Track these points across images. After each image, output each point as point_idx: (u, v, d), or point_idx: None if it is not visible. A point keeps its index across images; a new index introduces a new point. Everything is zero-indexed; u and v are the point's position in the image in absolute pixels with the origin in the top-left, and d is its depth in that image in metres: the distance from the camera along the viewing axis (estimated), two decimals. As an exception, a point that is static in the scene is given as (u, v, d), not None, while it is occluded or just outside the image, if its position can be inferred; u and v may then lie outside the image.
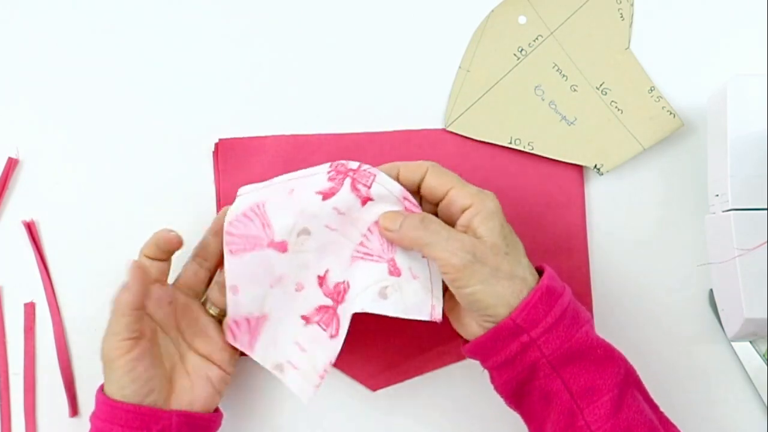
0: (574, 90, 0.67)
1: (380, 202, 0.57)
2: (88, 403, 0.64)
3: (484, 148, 0.66)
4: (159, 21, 0.67)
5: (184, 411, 0.57)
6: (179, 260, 0.61)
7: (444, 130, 0.67)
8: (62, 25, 0.67)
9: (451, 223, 0.56)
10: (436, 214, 0.58)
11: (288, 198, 0.58)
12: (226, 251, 0.58)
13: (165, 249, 0.58)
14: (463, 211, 0.55)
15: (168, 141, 0.66)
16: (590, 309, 0.66)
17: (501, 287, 0.54)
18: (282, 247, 0.58)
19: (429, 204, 0.58)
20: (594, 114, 0.67)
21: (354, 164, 0.58)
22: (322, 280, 0.59)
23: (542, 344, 0.53)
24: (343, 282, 0.59)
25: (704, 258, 0.66)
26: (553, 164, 0.66)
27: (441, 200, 0.57)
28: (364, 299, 0.57)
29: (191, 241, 0.65)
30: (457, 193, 0.56)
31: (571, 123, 0.67)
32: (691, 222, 0.66)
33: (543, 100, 0.67)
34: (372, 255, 0.58)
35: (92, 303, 0.65)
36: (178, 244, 0.58)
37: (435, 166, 0.57)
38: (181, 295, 0.60)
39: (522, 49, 0.67)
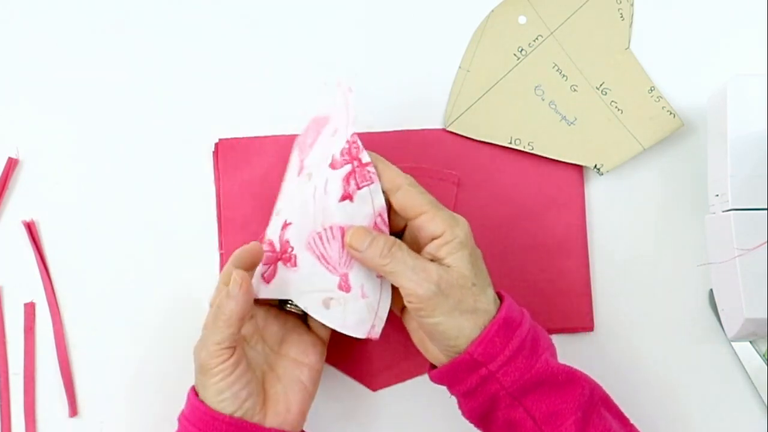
0: (574, 90, 0.67)
1: (356, 208, 0.57)
2: (88, 403, 0.64)
3: (484, 148, 0.66)
4: (159, 21, 0.67)
5: (280, 430, 0.56)
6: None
7: (444, 130, 0.67)
8: (63, 25, 0.67)
9: (418, 244, 0.56)
10: (404, 230, 0.58)
11: (331, 136, 0.59)
12: (307, 125, 0.61)
13: (253, 262, 0.57)
14: (432, 239, 0.55)
15: (168, 141, 0.66)
16: (590, 309, 0.66)
17: (464, 320, 0.54)
18: (300, 167, 0.60)
19: (399, 217, 0.57)
20: (594, 114, 0.67)
21: (365, 157, 0.57)
22: (285, 225, 0.59)
23: (501, 376, 0.53)
24: (293, 248, 0.58)
25: (704, 258, 0.66)
26: (553, 164, 0.66)
27: (411, 220, 0.56)
28: (308, 301, 0.57)
29: (192, 241, 0.65)
30: (429, 219, 0.55)
31: (571, 123, 0.67)
32: (691, 222, 0.66)
33: (543, 100, 0.67)
34: (328, 263, 0.57)
35: (92, 303, 0.65)
36: (261, 254, 0.58)
37: (410, 186, 0.56)
38: (258, 308, 0.60)
39: (522, 49, 0.67)
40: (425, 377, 0.65)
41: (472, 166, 0.66)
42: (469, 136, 0.66)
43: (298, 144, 0.62)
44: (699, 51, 0.68)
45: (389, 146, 0.66)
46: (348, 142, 0.57)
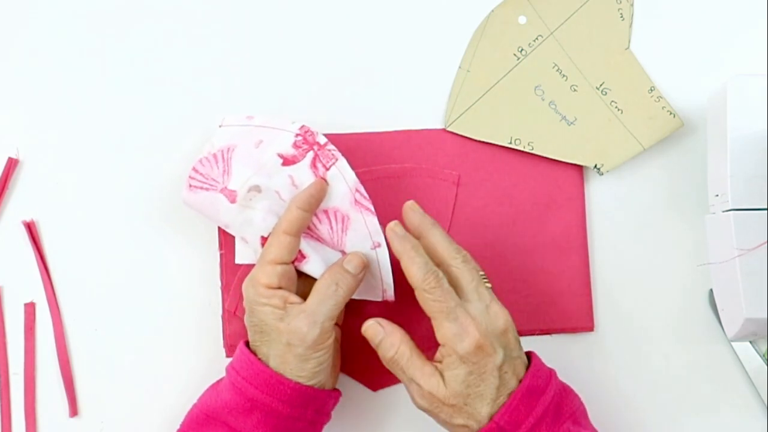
0: (574, 90, 0.67)
1: (333, 189, 0.60)
2: (88, 403, 0.64)
3: (484, 148, 0.66)
4: (160, 22, 0.67)
5: (335, 391, 0.59)
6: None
7: (444, 130, 0.67)
8: (62, 25, 0.67)
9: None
10: None
11: (254, 149, 0.60)
12: (185, 184, 0.61)
13: (319, 198, 0.59)
14: (439, 344, 0.56)
15: (168, 141, 0.66)
16: (590, 309, 0.66)
17: (458, 428, 0.55)
18: (232, 196, 0.60)
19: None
20: (594, 114, 0.67)
21: (322, 139, 0.60)
22: (264, 241, 0.60)
23: None
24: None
25: (704, 258, 0.66)
26: (553, 164, 0.66)
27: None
28: None
29: (192, 241, 0.65)
30: (436, 326, 0.55)
31: (571, 123, 0.67)
32: (691, 222, 0.66)
33: (543, 100, 0.67)
34: (326, 244, 0.61)
35: (92, 303, 0.65)
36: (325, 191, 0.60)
37: (423, 291, 0.55)
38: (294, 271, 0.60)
39: (522, 49, 0.67)
40: (425, 377, 0.65)
41: (472, 166, 0.66)
42: (469, 136, 0.66)
43: (201, 183, 0.61)
44: (699, 51, 0.68)
45: (389, 146, 0.66)
46: (298, 134, 0.60)
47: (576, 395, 0.58)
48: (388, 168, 0.65)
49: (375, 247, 0.60)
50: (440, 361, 0.55)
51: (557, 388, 0.56)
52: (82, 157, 0.66)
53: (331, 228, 0.60)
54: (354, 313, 0.63)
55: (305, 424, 0.57)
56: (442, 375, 0.55)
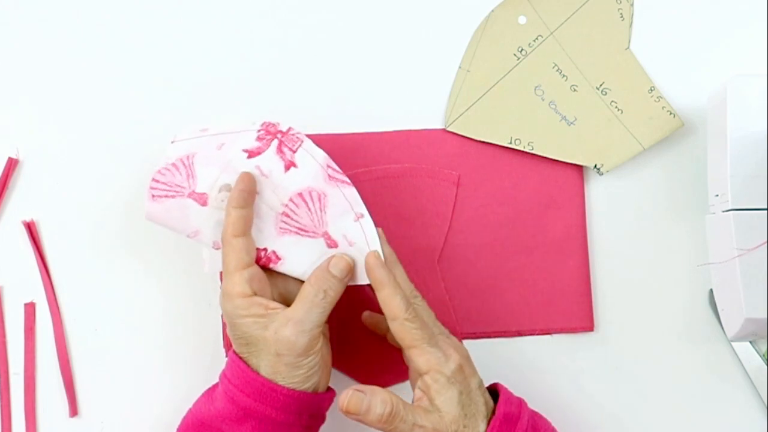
0: (574, 90, 0.67)
1: (303, 170, 0.58)
2: (88, 403, 0.64)
3: (484, 148, 0.67)
4: (160, 23, 0.67)
5: (329, 392, 0.58)
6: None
7: (444, 130, 0.67)
8: (63, 25, 0.67)
9: None
10: None
11: (216, 152, 0.59)
12: (148, 196, 0.59)
13: (251, 190, 0.58)
14: (420, 374, 0.55)
15: (168, 142, 0.66)
16: (590, 309, 0.66)
17: None
18: (202, 199, 0.59)
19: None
20: (594, 114, 0.67)
21: (284, 127, 0.59)
22: None
23: None
24: (264, 249, 0.59)
25: (704, 258, 0.66)
26: (553, 164, 0.66)
27: (404, 350, 0.56)
28: None
29: (192, 241, 0.65)
30: (416, 355, 0.55)
31: (571, 123, 0.67)
32: (691, 222, 0.66)
33: (543, 100, 0.67)
34: (307, 231, 0.59)
35: (92, 303, 0.65)
36: (254, 182, 0.58)
37: (405, 320, 0.55)
38: (286, 280, 0.59)
39: (522, 49, 0.67)
40: (425, 377, 0.65)
41: (472, 166, 0.66)
42: (469, 136, 0.66)
43: (165, 191, 0.59)
44: (699, 51, 0.68)
45: (389, 146, 0.66)
46: (260, 129, 0.59)
47: (547, 421, 0.58)
48: (387, 168, 0.65)
49: (358, 218, 0.58)
50: (425, 392, 0.55)
51: (530, 414, 0.56)
52: (82, 157, 0.66)
53: (310, 210, 0.59)
54: (351, 313, 0.63)
55: (300, 429, 0.56)
56: (433, 407, 0.54)
